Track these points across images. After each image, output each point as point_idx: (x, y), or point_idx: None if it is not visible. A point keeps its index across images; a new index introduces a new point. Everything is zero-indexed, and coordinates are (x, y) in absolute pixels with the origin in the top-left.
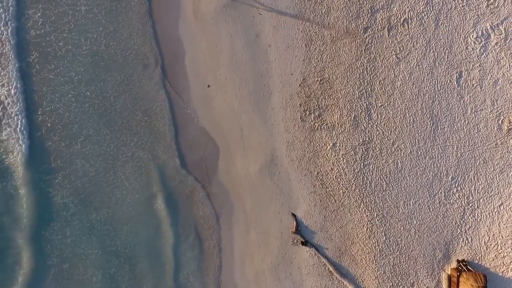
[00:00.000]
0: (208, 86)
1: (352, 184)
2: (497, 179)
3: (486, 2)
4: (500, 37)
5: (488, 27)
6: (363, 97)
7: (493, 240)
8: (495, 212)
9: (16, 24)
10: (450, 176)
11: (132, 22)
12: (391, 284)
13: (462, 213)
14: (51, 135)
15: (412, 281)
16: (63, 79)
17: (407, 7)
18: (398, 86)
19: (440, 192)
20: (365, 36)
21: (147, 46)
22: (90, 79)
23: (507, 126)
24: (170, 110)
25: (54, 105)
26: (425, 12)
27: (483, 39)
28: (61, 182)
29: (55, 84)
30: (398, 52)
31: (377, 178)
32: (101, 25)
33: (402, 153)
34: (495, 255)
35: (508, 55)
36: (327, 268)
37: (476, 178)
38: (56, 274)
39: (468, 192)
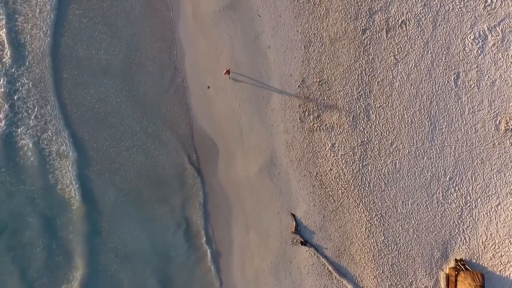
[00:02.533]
0: (208, 87)
1: (351, 184)
2: (495, 179)
3: (483, 3)
4: (497, 38)
5: (485, 29)
6: (361, 98)
7: (490, 240)
8: (492, 212)
9: (52, 40)
10: (448, 176)
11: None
12: (389, 283)
13: (460, 213)
14: (93, 141)
15: (410, 281)
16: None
17: (405, 9)
18: (396, 87)
19: (438, 192)
20: (363, 37)
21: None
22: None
23: (504, 126)
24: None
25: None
26: (422, 14)
27: (480, 41)
28: (105, 185)
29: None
30: (396, 53)
31: (375, 179)
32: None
33: (400, 154)
34: (493, 254)
35: (505, 56)
36: (326, 267)
37: (473, 178)
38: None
39: (466, 192)
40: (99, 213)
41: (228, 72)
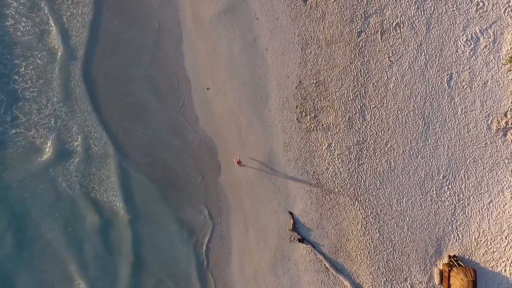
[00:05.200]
0: (208, 88)
1: (347, 183)
2: (487, 177)
3: (475, 6)
4: (489, 41)
5: (477, 31)
6: (357, 98)
7: (483, 236)
8: (484, 209)
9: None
10: (442, 175)
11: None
12: (385, 279)
13: (453, 210)
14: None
15: (405, 276)
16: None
17: (399, 11)
18: (391, 88)
19: (432, 190)
20: (358, 40)
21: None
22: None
23: (496, 126)
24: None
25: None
26: (416, 17)
27: (472, 42)
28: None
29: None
30: (390, 55)
31: (371, 177)
32: None
33: (395, 153)
34: (485, 251)
35: (496, 57)
36: (323, 264)
37: (466, 177)
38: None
39: (458, 190)
40: (137, 211)
41: (239, 162)
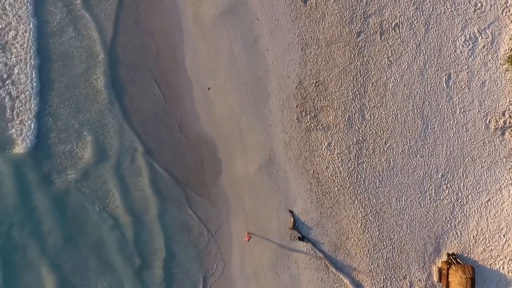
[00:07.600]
0: (208, 88)
1: (347, 181)
2: (485, 176)
3: (474, 7)
4: (487, 41)
5: (476, 31)
6: (356, 98)
7: (481, 234)
8: (483, 208)
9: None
10: (440, 174)
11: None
12: (384, 277)
13: (451, 209)
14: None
15: (404, 274)
16: None
17: (398, 12)
18: (390, 88)
19: (431, 189)
20: (358, 40)
21: None
22: None
23: (494, 125)
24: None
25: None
26: (415, 17)
27: (471, 43)
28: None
29: None
30: (390, 55)
31: (370, 176)
32: None
33: (394, 152)
34: (483, 249)
35: (494, 57)
36: (323, 262)
37: (464, 175)
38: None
39: (457, 188)
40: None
41: (249, 238)
